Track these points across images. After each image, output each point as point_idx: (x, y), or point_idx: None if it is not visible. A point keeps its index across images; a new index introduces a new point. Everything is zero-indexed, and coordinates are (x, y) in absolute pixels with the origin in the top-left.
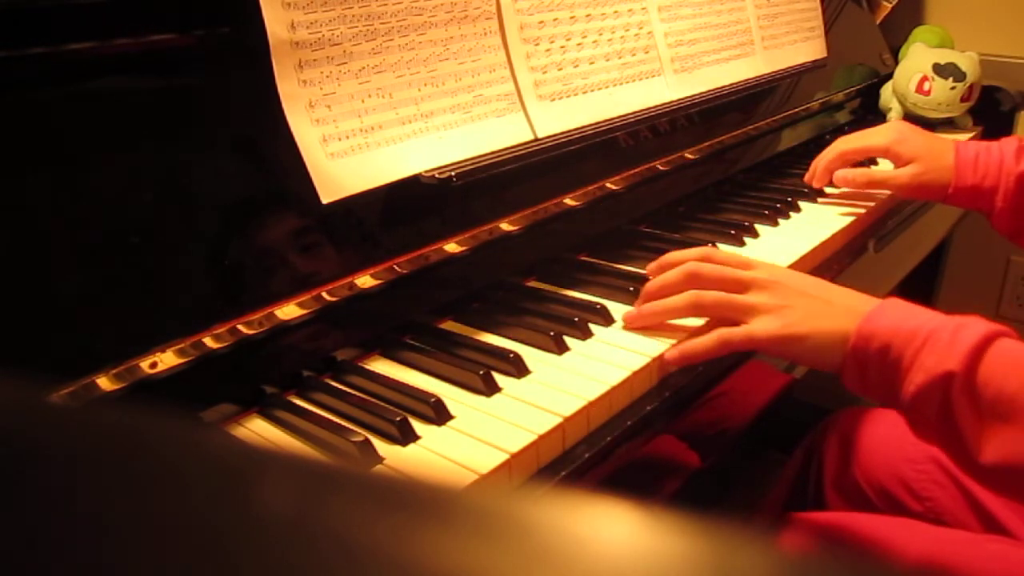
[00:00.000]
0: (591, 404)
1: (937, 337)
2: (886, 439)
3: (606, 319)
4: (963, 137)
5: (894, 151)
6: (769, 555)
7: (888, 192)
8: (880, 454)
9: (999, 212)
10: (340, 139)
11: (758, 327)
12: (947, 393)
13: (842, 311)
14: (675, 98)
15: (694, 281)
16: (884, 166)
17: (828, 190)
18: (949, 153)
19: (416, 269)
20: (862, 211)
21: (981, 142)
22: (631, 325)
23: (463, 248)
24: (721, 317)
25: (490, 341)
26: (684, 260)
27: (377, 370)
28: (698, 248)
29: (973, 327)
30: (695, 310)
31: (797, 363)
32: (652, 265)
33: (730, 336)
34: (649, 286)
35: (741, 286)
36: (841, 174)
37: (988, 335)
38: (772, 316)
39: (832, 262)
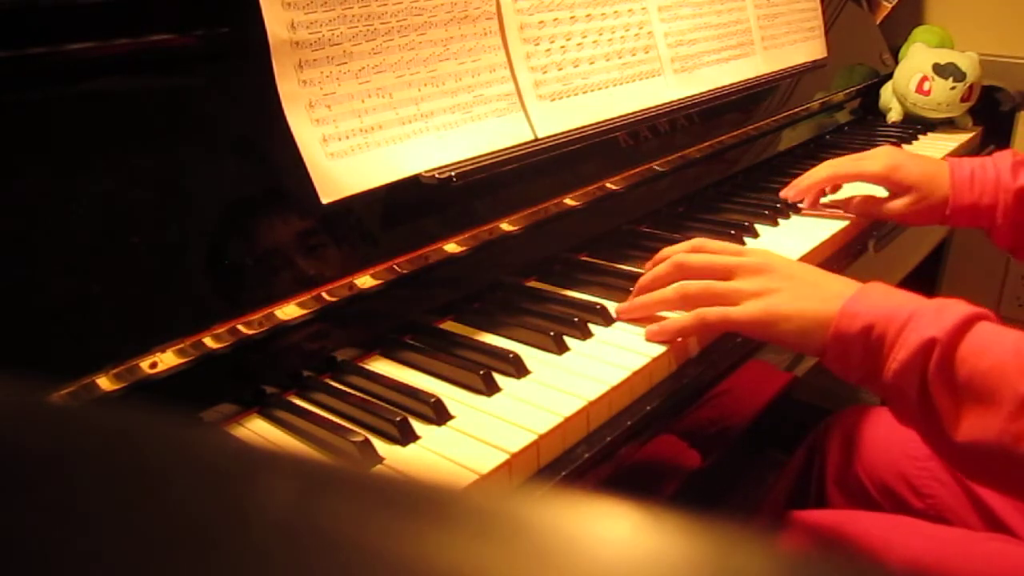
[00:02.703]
0: (591, 404)
1: (921, 314)
2: (889, 437)
3: (606, 319)
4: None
5: (894, 179)
6: (769, 555)
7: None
8: (883, 451)
9: (999, 228)
10: (340, 139)
11: (735, 309)
12: (926, 365)
13: (827, 294)
14: (675, 98)
15: (683, 272)
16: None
17: (827, 190)
18: (944, 176)
19: (416, 269)
20: None
21: (975, 159)
22: (623, 316)
23: (463, 248)
24: (710, 305)
25: (490, 341)
26: (676, 253)
27: (377, 370)
28: (690, 240)
29: (957, 307)
30: (683, 300)
31: (779, 345)
32: (649, 263)
33: (707, 315)
34: (642, 280)
35: (728, 273)
36: (836, 203)
37: (972, 315)
38: (755, 300)
39: (832, 262)
